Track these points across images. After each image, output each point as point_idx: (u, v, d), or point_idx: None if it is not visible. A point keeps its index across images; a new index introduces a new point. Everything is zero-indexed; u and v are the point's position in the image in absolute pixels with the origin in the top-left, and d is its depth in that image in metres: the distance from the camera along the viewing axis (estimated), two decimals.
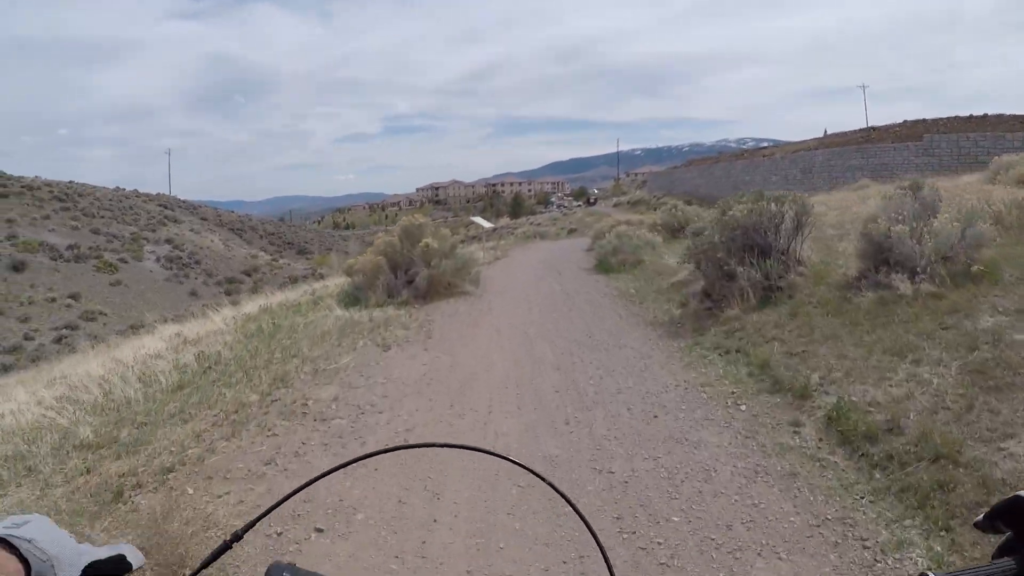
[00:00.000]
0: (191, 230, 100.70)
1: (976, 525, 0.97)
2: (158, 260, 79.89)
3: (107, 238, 79.75)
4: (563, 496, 1.15)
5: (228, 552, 1.09)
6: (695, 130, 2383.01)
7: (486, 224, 32.92)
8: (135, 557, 0.92)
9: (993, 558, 0.90)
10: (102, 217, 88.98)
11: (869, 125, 71.69)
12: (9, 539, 0.81)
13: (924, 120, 57.69)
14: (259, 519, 1.10)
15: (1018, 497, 0.89)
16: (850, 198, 21.24)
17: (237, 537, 1.05)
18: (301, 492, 1.14)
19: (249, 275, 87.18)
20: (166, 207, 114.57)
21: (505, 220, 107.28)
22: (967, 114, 55.52)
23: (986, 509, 0.94)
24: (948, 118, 56.02)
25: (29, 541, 0.81)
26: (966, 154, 43.53)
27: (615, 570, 1.07)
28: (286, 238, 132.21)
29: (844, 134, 66.33)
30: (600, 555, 1.08)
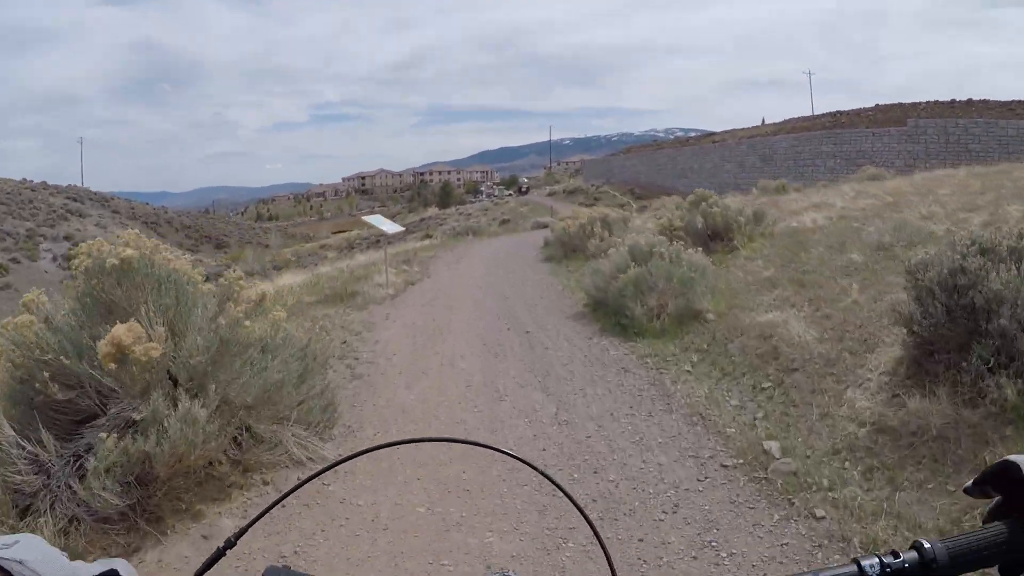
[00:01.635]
0: (97, 224, 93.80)
1: (966, 491, 0.97)
2: (55, 259, 73.64)
3: None
4: (565, 493, 1.13)
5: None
6: (624, 120, 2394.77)
7: (388, 227, 18.16)
8: (128, 572, 0.88)
9: (984, 523, 0.93)
10: None
11: (814, 113, 69.29)
12: (1, 563, 0.77)
13: (901, 104, 53.52)
14: (251, 524, 1.07)
15: (1007, 462, 0.89)
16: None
17: (230, 544, 1.03)
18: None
19: None
20: (75, 199, 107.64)
21: (433, 211, 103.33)
22: (949, 99, 50.84)
23: (976, 475, 0.95)
24: (930, 102, 51.84)
25: (20, 563, 0.78)
26: (955, 142, 38.83)
27: (615, 567, 1.07)
28: (204, 231, 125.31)
29: (807, 118, 61.65)
30: (602, 552, 1.07)
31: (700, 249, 12.57)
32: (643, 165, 76.41)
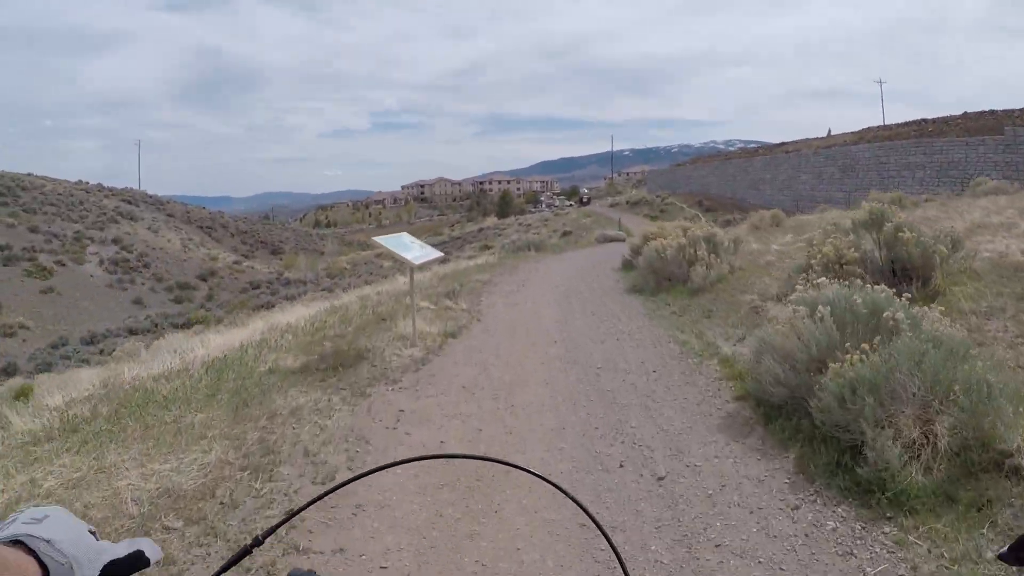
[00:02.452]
0: (149, 228, 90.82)
1: (1000, 557, 0.98)
2: (101, 263, 70.54)
3: (46, 237, 69.89)
4: (583, 509, 1.12)
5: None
6: (683, 131, 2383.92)
7: (413, 253, 11.12)
8: (153, 552, 0.90)
9: None
10: (44, 214, 79.30)
11: (883, 123, 63.71)
12: (27, 541, 0.79)
13: (993, 111, 47.88)
14: (279, 525, 1.10)
15: None
16: None
17: (258, 542, 1.04)
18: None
19: (205, 280, 77.37)
20: (129, 202, 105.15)
21: (492, 220, 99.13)
22: None
23: (1011, 541, 0.96)
24: None
25: (48, 542, 0.79)
26: None
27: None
28: (260, 237, 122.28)
29: (885, 128, 55.85)
30: (618, 565, 1.07)
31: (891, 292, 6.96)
32: (711, 176, 71.67)
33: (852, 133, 60.00)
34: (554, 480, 1.13)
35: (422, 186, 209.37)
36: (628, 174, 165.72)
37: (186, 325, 54.54)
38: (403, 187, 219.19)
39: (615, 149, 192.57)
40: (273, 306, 59.14)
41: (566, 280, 19.52)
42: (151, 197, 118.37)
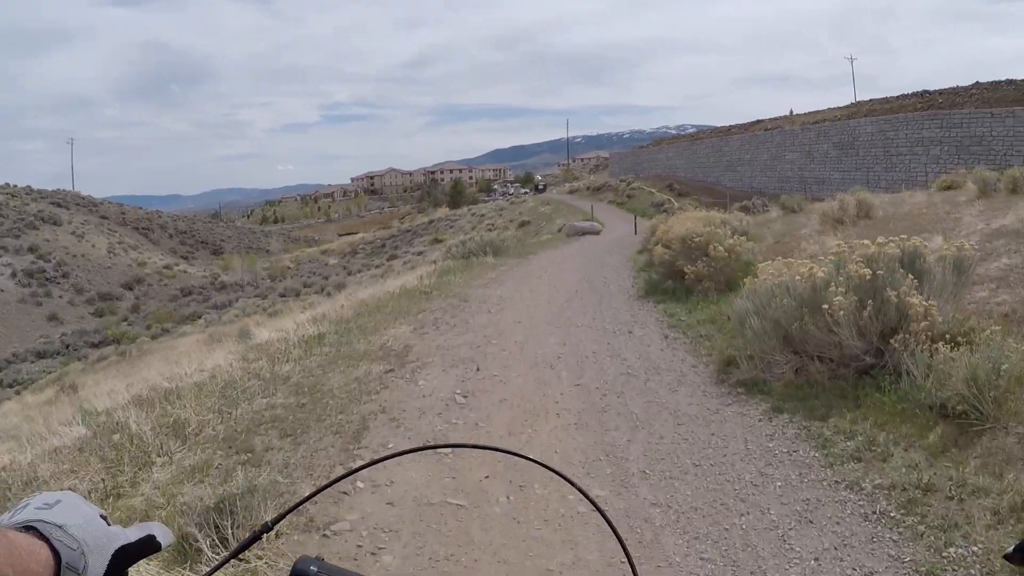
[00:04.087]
0: (74, 233, 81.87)
1: (1006, 557, 0.95)
2: (14, 275, 64.69)
3: None
4: (589, 500, 1.11)
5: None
6: (635, 117, 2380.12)
7: None
8: (164, 536, 0.89)
9: None
10: None
11: (858, 100, 56.86)
12: (39, 527, 0.77)
13: (1012, 81, 40.77)
14: (290, 511, 1.08)
15: None
16: None
17: (268, 528, 1.03)
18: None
19: (131, 288, 69.70)
20: (59, 204, 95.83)
21: (443, 211, 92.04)
22: None
23: (1016, 542, 0.94)
24: None
25: (60, 527, 0.78)
26: None
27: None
28: (200, 236, 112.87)
29: (888, 100, 48.22)
30: (626, 559, 1.08)
31: None
32: (679, 158, 63.81)
33: (840, 108, 52.25)
34: (567, 474, 1.12)
35: (372, 178, 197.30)
36: (583, 160, 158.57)
37: (103, 343, 47.78)
38: (352, 179, 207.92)
39: (568, 136, 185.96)
40: (199, 317, 51.71)
41: (563, 323, 10.87)
42: (84, 198, 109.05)
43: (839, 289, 6.25)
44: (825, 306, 6.15)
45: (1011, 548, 0.92)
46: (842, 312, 6.10)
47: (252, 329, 16.04)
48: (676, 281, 12.12)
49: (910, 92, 45.97)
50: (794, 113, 58.95)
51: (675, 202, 48.41)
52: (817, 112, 53.53)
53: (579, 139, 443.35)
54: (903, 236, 6.77)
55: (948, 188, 17.64)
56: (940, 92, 42.90)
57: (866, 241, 6.93)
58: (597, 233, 32.28)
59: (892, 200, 16.80)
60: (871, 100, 49.42)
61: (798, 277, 6.75)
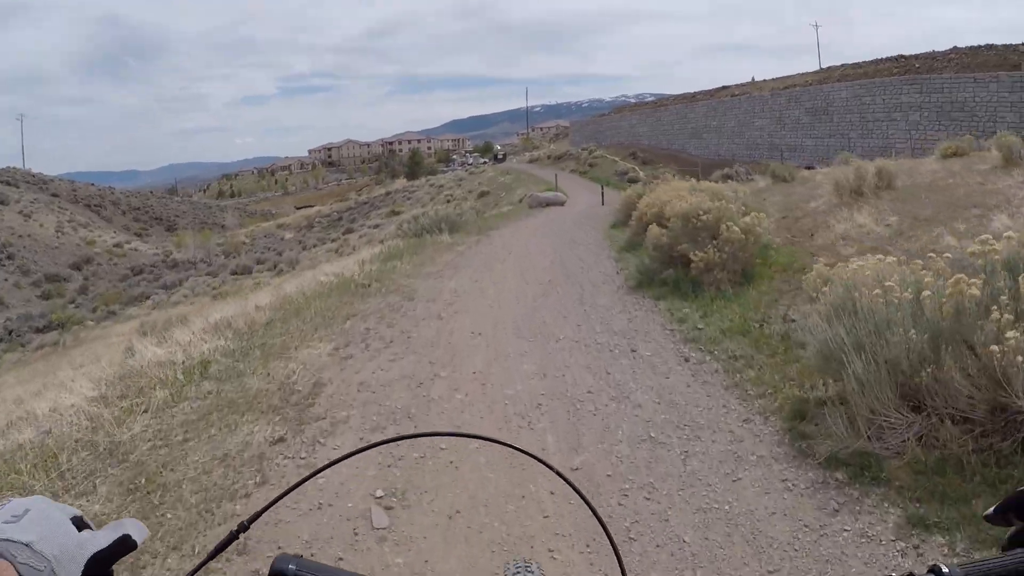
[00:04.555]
0: (21, 212, 78.24)
1: (986, 518, 0.94)
2: None
3: None
4: (581, 495, 1.06)
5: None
6: (594, 86, 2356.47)
7: None
8: (139, 533, 0.83)
9: (1004, 550, 0.88)
10: None
11: (824, 67, 54.50)
12: (2, 549, 0.71)
13: (992, 46, 38.51)
14: (265, 509, 1.04)
15: None
16: None
17: (243, 528, 1.00)
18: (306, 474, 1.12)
19: (80, 268, 66.35)
20: (8, 183, 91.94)
21: (401, 183, 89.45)
22: None
23: (996, 503, 0.91)
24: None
25: (27, 544, 0.72)
26: None
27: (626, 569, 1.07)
28: (154, 213, 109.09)
29: (860, 65, 45.74)
30: (614, 555, 1.07)
31: None
32: (642, 125, 61.63)
33: (811, 73, 49.85)
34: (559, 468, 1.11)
35: (329, 149, 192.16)
36: (542, 129, 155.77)
37: (48, 328, 45.29)
38: (310, 151, 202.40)
39: (528, 105, 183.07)
40: (147, 298, 49.02)
41: (543, 371, 7.02)
42: (34, 176, 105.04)
43: (1005, 316, 3.67)
44: (994, 348, 3.59)
45: (991, 509, 0.88)
46: (1021, 358, 3.53)
47: (137, 346, 13.18)
48: (678, 270, 9.49)
49: (884, 57, 43.61)
50: (757, 80, 56.74)
51: (639, 170, 46.38)
52: (787, 78, 51.27)
53: (538, 108, 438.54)
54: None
55: (953, 155, 15.90)
56: (917, 57, 40.71)
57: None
58: (562, 204, 29.70)
59: (903, 169, 14.38)
60: (843, 65, 47.06)
61: (924, 293, 4.14)
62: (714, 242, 8.95)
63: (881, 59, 43.56)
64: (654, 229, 10.40)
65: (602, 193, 30.52)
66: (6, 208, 78.71)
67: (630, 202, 18.30)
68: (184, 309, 32.43)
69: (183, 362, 7.26)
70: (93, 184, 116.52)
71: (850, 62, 47.49)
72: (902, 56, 42.00)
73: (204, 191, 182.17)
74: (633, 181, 42.32)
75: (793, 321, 6.63)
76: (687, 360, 6.47)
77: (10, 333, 45.52)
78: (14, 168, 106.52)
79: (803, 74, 50.90)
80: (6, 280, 60.22)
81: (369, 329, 8.29)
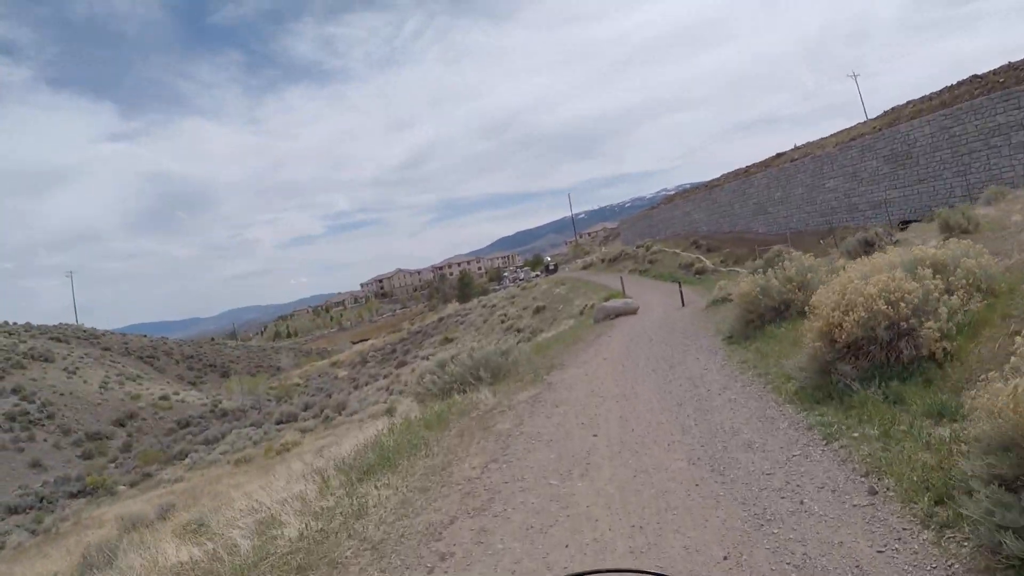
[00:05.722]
0: (65, 369, 75.13)
1: None
2: None
3: None
4: None
5: None
6: (632, 184, 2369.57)
7: None
8: None
9: None
10: None
11: (867, 117, 48.82)
12: None
13: None
14: None
15: None
16: None
17: None
18: None
19: (123, 424, 62.64)
20: (60, 339, 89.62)
21: (453, 307, 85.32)
22: None
23: None
24: None
25: None
26: None
27: None
28: (207, 360, 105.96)
29: (930, 98, 39.52)
30: None
31: None
32: (699, 211, 55.86)
33: (875, 119, 43.97)
34: None
35: (380, 281, 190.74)
36: (590, 234, 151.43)
37: (81, 493, 42.85)
38: (361, 285, 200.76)
39: (570, 214, 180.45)
40: (186, 456, 45.20)
41: None
42: (85, 331, 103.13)
43: None
44: None
45: None
46: None
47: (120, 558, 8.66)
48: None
49: (956, 82, 37.50)
50: (797, 146, 51.29)
51: (705, 260, 41.03)
52: (846, 131, 45.20)
53: (581, 215, 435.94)
54: None
55: None
56: (996, 72, 34.50)
57: None
58: (634, 312, 24.15)
59: None
60: (908, 103, 40.94)
61: None
62: None
63: (953, 85, 37.55)
64: None
65: (680, 293, 25.01)
66: (51, 365, 76.05)
67: (748, 300, 12.92)
68: (191, 484, 28.65)
69: None
70: (146, 336, 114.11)
71: (912, 98, 41.30)
72: (976, 76, 35.93)
73: (262, 333, 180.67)
74: (701, 272, 37.44)
75: None
76: None
77: (41, 500, 41.93)
78: (65, 324, 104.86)
79: (866, 122, 45.19)
80: (45, 441, 56.78)
81: None
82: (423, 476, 7.29)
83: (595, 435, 7.86)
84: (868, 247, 18.83)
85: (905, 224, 26.54)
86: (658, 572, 1.09)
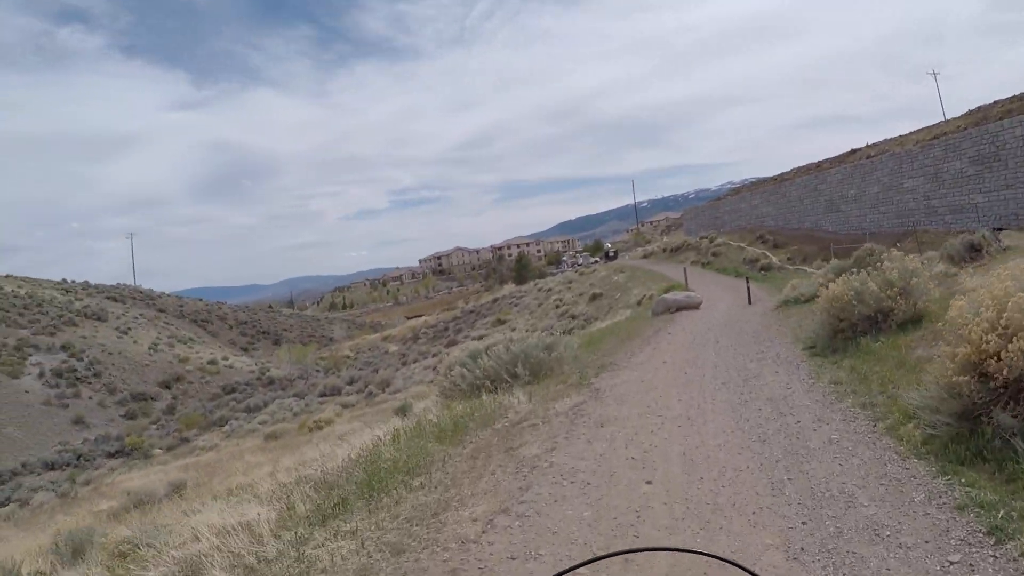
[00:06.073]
0: (117, 328, 74.87)
1: None
2: (41, 375, 57.63)
3: None
4: None
5: None
6: (696, 175, 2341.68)
7: None
8: None
9: None
10: None
11: (946, 118, 45.01)
12: None
13: None
14: None
15: None
16: None
17: None
18: None
19: (169, 387, 61.79)
20: (116, 299, 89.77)
21: (509, 288, 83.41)
22: None
23: None
24: None
25: None
26: None
27: None
28: (261, 327, 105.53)
29: (1020, 97, 36.35)
30: None
31: None
32: (766, 205, 52.92)
33: (961, 117, 40.51)
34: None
35: (439, 258, 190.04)
36: (652, 223, 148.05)
37: (119, 453, 41.96)
38: (420, 261, 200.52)
39: (632, 202, 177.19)
40: (225, 423, 44.11)
41: None
42: (142, 292, 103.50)
43: None
44: None
45: None
46: None
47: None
48: None
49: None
50: (868, 144, 47.85)
51: (771, 256, 38.49)
52: (927, 129, 41.78)
53: (644, 203, 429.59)
54: None
55: None
56: None
57: None
58: (696, 307, 21.81)
59: None
60: (996, 102, 37.47)
61: None
62: None
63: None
64: None
65: (748, 290, 22.59)
66: (103, 324, 76.06)
67: (839, 305, 10.56)
68: (207, 458, 27.32)
69: None
70: (201, 299, 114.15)
71: (989, 100, 37.76)
72: None
73: (318, 303, 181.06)
74: (766, 269, 35.89)
75: None
76: None
77: (78, 457, 41.67)
78: (123, 284, 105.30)
79: (948, 120, 41.78)
80: (91, 399, 56.93)
81: None
82: (405, 522, 5.20)
83: (649, 482, 5.68)
84: (975, 252, 16.39)
85: (996, 231, 23.64)
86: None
